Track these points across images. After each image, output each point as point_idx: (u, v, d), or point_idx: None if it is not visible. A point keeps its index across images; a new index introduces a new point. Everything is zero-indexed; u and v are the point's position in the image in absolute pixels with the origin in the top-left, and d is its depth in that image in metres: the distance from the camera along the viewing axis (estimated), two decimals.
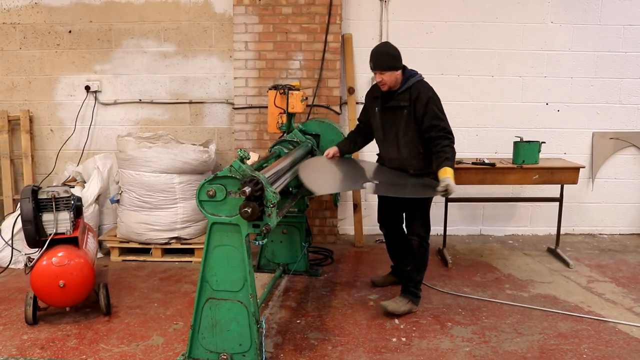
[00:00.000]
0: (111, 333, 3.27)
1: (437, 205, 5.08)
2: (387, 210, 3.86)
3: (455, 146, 3.44)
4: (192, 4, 5.13)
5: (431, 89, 3.51)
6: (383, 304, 3.59)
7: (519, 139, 4.54)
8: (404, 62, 3.51)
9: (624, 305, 3.78)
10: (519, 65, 5.19)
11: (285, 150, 3.85)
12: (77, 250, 3.41)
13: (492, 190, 5.21)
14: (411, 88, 3.48)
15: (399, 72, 3.50)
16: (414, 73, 3.56)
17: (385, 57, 3.46)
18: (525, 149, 4.47)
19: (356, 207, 5.15)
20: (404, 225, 3.85)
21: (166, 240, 4.54)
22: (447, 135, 3.43)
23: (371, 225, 5.22)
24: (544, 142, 4.61)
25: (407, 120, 3.50)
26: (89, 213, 4.69)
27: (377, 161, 3.88)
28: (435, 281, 4.17)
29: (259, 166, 3.31)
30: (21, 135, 5.21)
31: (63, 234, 3.45)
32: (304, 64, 4.97)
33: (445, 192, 3.28)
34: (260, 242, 2.70)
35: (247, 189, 2.50)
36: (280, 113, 4.07)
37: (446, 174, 3.29)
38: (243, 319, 2.75)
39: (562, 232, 4.89)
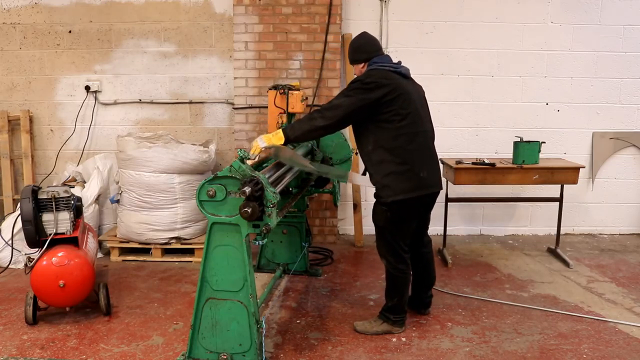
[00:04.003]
0: (111, 333, 3.27)
1: (437, 205, 5.04)
2: None
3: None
4: (192, 4, 5.13)
5: (370, 74, 3.10)
6: (355, 323, 3.37)
7: (519, 139, 4.54)
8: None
9: (624, 305, 3.78)
10: (519, 65, 5.19)
11: None
12: (77, 250, 3.41)
13: (492, 190, 5.20)
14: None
15: (361, 65, 3.28)
16: (376, 61, 3.21)
17: (349, 51, 3.36)
18: (525, 149, 4.47)
19: (356, 207, 5.15)
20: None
21: (166, 240, 4.54)
22: (321, 110, 3.16)
23: (371, 225, 5.20)
24: (544, 142, 4.61)
25: None
26: (89, 213, 4.69)
27: None
28: (436, 281, 4.16)
29: (259, 166, 3.31)
30: (21, 135, 5.21)
31: (63, 234, 3.45)
32: (304, 64, 4.97)
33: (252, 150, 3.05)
34: (260, 242, 2.69)
35: (247, 189, 2.50)
36: (280, 113, 4.06)
37: (265, 137, 3.11)
38: (243, 319, 2.75)
39: (562, 232, 4.88)
